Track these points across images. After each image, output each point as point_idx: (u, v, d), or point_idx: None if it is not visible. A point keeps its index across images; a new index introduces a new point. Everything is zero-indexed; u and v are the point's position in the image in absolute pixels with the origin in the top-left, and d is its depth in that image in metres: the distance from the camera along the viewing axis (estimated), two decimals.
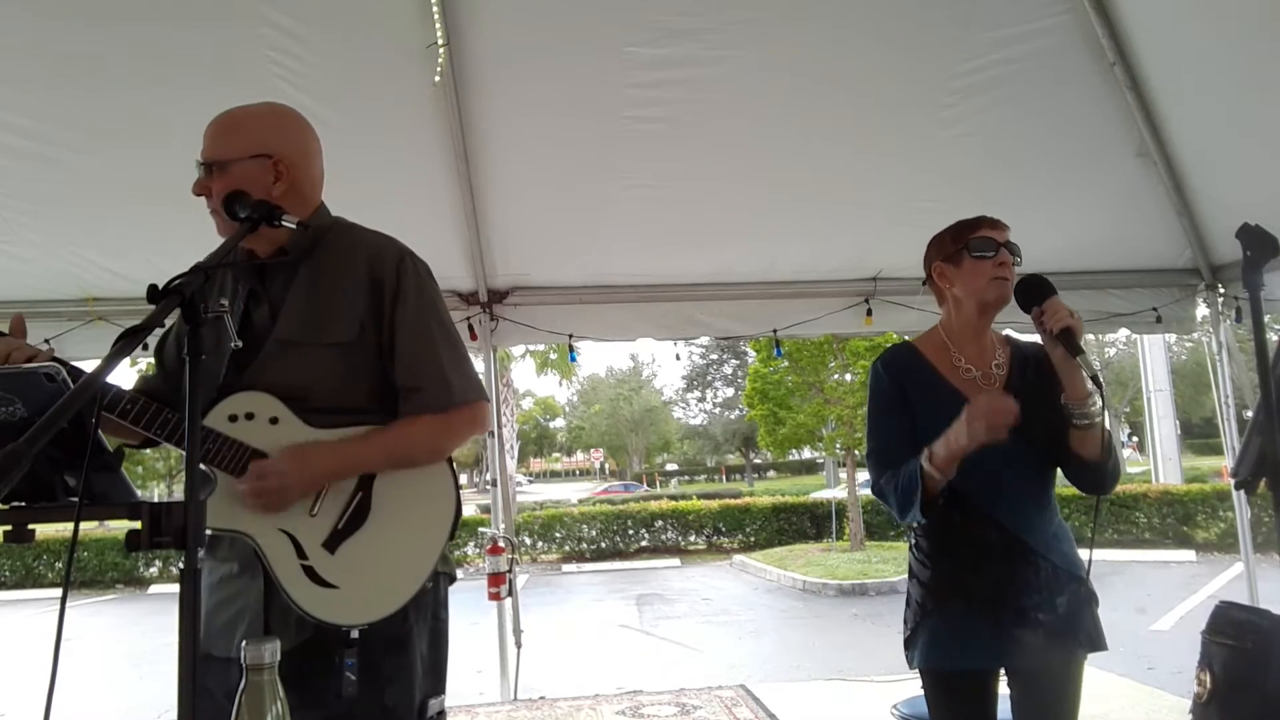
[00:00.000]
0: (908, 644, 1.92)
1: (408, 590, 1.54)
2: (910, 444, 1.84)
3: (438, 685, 1.63)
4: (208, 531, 1.50)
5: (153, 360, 1.81)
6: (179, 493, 1.44)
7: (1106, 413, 1.82)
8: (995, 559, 1.81)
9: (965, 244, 1.89)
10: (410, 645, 1.57)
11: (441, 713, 1.62)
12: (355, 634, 1.49)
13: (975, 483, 1.82)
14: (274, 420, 1.54)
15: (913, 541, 1.96)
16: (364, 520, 1.55)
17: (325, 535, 1.52)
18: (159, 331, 1.54)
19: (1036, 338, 1.87)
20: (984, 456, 1.79)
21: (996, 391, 1.76)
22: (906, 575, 1.99)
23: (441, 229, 4.01)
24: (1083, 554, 1.89)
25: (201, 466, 1.49)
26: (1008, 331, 2.04)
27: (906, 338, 2.18)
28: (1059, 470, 1.90)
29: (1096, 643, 1.84)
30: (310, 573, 1.49)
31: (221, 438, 1.50)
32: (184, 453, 1.46)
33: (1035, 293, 1.81)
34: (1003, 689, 1.88)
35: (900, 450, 1.85)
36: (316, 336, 1.59)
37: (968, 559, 1.83)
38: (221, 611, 1.55)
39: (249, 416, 1.53)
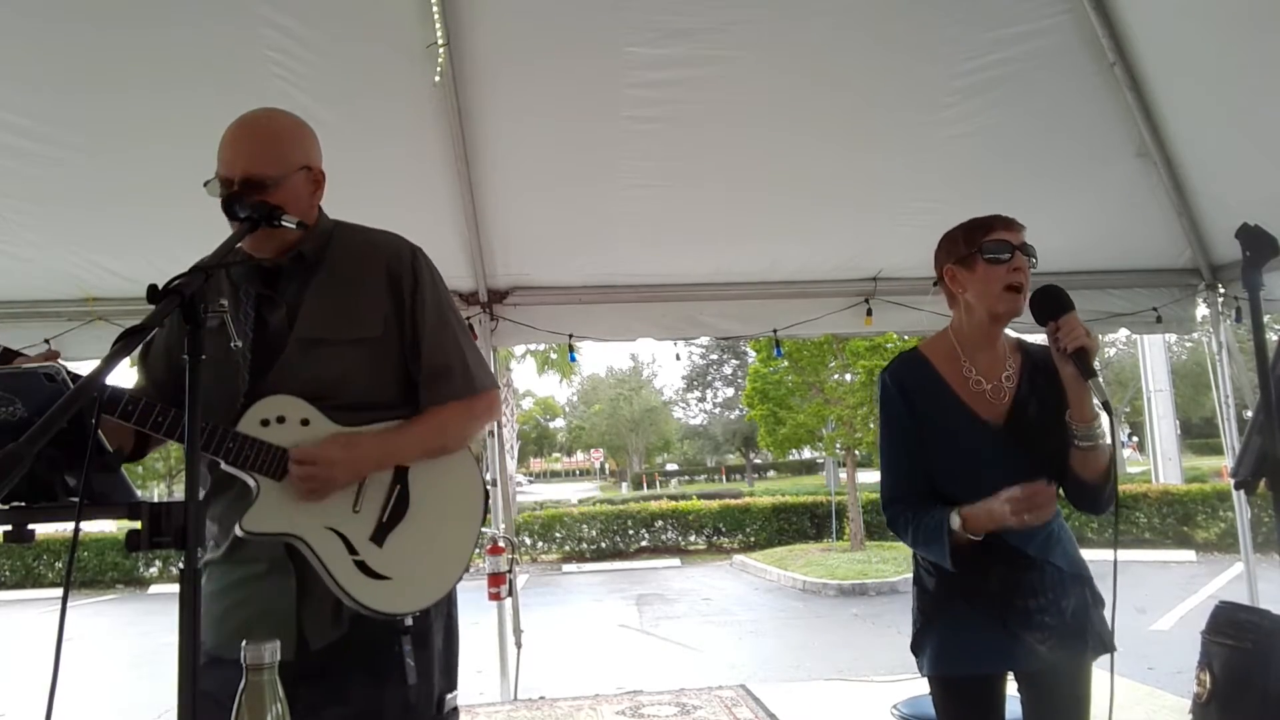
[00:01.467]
0: (915, 650, 1.91)
1: (454, 574, 1.62)
2: (920, 465, 1.84)
3: (452, 681, 1.67)
4: (239, 533, 1.49)
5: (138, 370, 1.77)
6: (179, 492, 1.44)
7: (1113, 435, 1.80)
8: (1000, 564, 1.81)
9: (979, 247, 1.81)
10: (430, 641, 1.61)
11: (455, 709, 1.65)
12: (409, 621, 1.54)
13: (974, 498, 1.80)
14: (305, 422, 1.55)
15: None
16: (405, 512, 1.59)
17: (372, 529, 1.55)
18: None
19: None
20: (994, 475, 1.77)
21: (1039, 486, 1.71)
22: (911, 579, 1.98)
23: (441, 229, 4.00)
24: (1089, 556, 1.89)
25: (244, 475, 1.50)
26: (1019, 335, 2.00)
27: (908, 338, 2.18)
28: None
29: (1106, 644, 1.83)
30: (363, 567, 1.52)
31: (259, 443, 1.51)
32: (210, 456, 1.47)
33: (1052, 306, 1.76)
34: (1011, 689, 1.88)
35: (912, 477, 1.85)
36: (342, 333, 1.61)
37: (972, 565, 1.82)
38: (238, 612, 1.55)
39: (280, 420, 1.54)
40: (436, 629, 1.62)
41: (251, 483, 1.50)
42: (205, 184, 1.58)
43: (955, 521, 1.73)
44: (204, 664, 1.55)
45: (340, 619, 1.51)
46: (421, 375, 1.66)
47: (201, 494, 1.49)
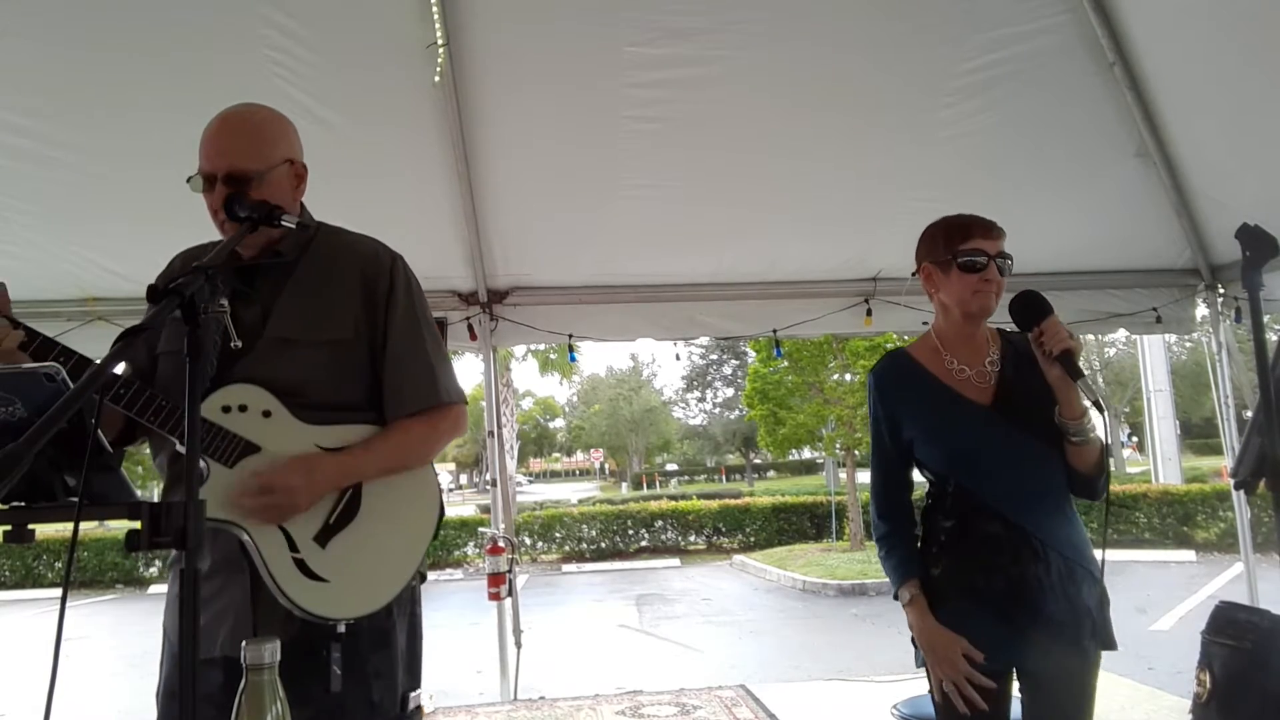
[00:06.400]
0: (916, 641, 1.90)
1: (393, 587, 1.58)
2: (900, 462, 1.93)
3: (415, 680, 1.66)
4: None
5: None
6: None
7: (1105, 428, 1.81)
8: (1004, 555, 1.80)
9: (955, 254, 1.86)
10: (393, 641, 1.60)
11: (419, 708, 1.65)
12: (342, 628, 1.52)
13: (980, 477, 1.83)
14: (267, 414, 1.54)
15: (921, 536, 1.95)
16: (354, 516, 1.57)
17: (317, 529, 1.53)
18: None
19: None
20: (988, 451, 1.82)
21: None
22: None
23: (441, 229, 4.01)
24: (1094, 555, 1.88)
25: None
26: (998, 325, 2.03)
27: (907, 338, 2.19)
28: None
29: (1107, 642, 1.83)
30: (302, 566, 1.50)
31: (215, 428, 1.49)
32: (168, 436, 1.44)
33: (1032, 312, 1.79)
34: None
35: (886, 490, 1.96)
36: (313, 334, 1.59)
37: (977, 555, 1.82)
38: (202, 611, 1.53)
39: (242, 409, 1.52)
40: (400, 628, 1.62)
41: (202, 466, 1.47)
42: (188, 180, 1.57)
43: (905, 597, 1.88)
44: (172, 665, 1.54)
45: (292, 619, 1.49)
46: (387, 384, 1.64)
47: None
